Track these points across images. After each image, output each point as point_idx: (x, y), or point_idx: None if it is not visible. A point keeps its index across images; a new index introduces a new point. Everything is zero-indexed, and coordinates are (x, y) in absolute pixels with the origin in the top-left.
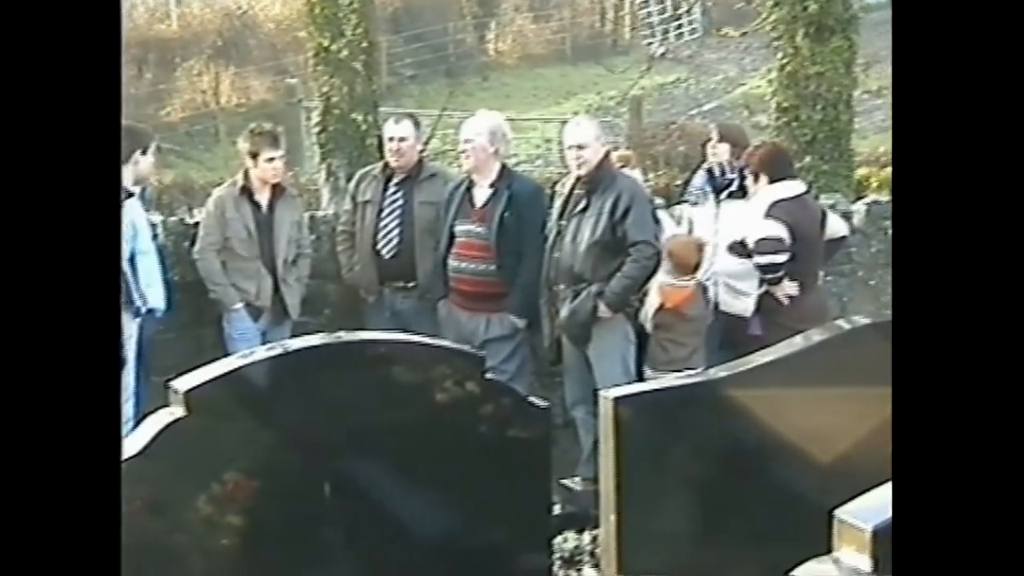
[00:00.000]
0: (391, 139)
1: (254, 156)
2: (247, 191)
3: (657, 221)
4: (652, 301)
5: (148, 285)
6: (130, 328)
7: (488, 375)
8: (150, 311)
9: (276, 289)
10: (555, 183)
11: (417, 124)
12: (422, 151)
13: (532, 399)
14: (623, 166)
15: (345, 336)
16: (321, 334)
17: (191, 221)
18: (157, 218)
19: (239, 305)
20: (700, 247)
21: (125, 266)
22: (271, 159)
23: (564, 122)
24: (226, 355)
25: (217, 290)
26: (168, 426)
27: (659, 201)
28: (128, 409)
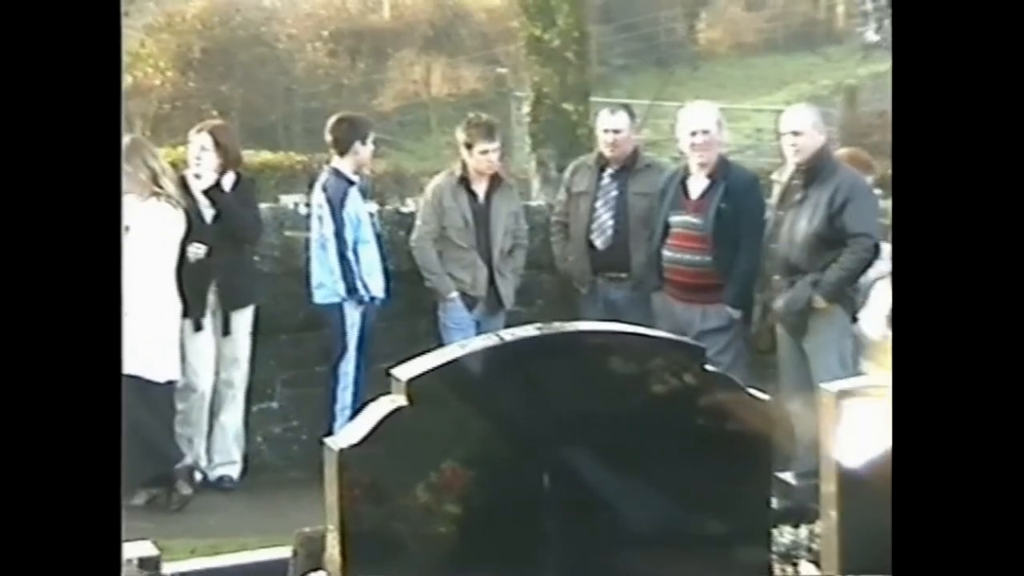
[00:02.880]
0: (606, 130)
1: (470, 147)
2: (464, 181)
3: (881, 214)
4: (885, 300)
5: (369, 274)
6: (353, 316)
7: (707, 366)
8: (372, 299)
9: (491, 279)
10: (771, 173)
11: (632, 115)
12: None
13: (753, 391)
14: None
15: (562, 326)
16: (536, 324)
17: (406, 210)
18: (373, 207)
19: (454, 294)
20: None
21: (348, 254)
22: (486, 150)
23: (777, 112)
24: (440, 344)
25: (433, 279)
26: (390, 414)
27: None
28: (347, 396)
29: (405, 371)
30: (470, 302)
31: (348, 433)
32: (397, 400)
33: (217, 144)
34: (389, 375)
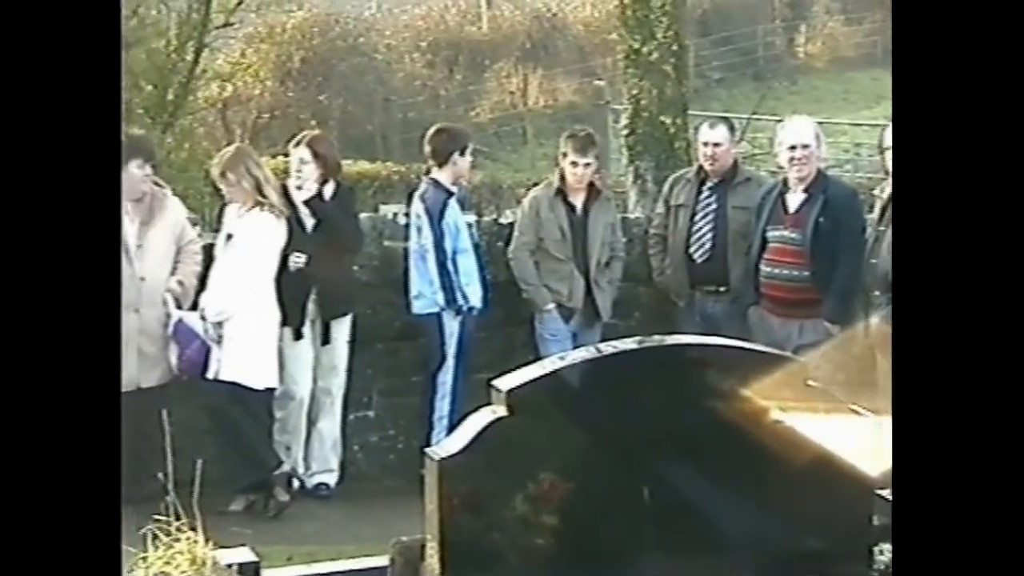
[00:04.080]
0: (706, 143)
1: (568, 158)
2: (562, 193)
3: None
4: None
5: (467, 283)
6: (452, 326)
7: (809, 381)
8: (470, 309)
9: (588, 291)
10: (872, 189)
11: (732, 128)
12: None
13: (854, 406)
14: None
15: (662, 339)
16: (636, 337)
17: (504, 221)
18: (471, 218)
19: (551, 306)
20: None
21: (448, 265)
22: (576, 163)
23: (874, 126)
24: (537, 355)
25: (530, 290)
26: (490, 425)
27: None
28: (444, 406)
29: (505, 382)
30: (567, 314)
31: (448, 443)
32: (497, 411)
33: (316, 155)
34: (490, 386)
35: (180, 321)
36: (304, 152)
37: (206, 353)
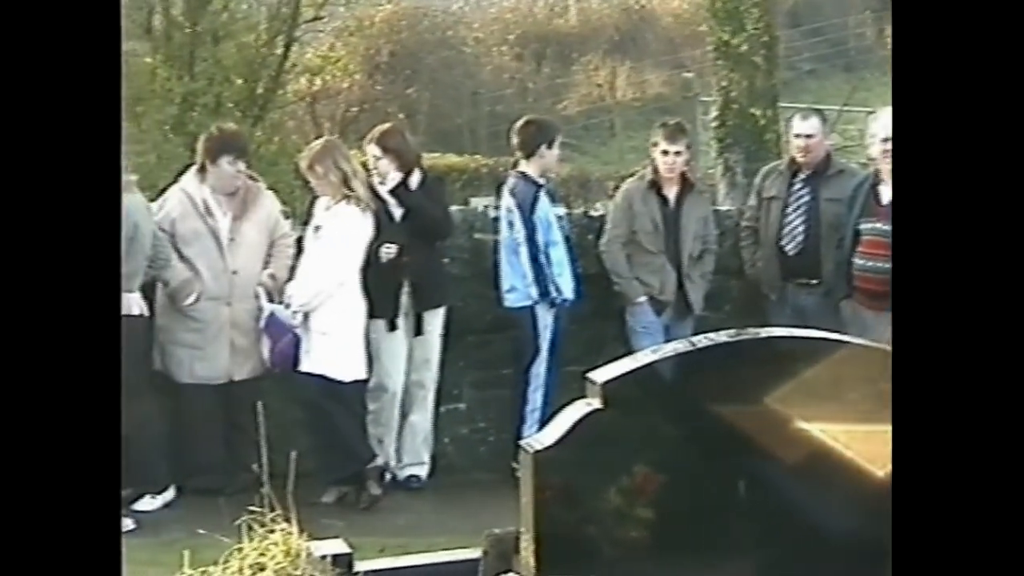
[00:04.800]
0: (798, 135)
1: (659, 147)
2: (655, 185)
3: None
4: None
5: (559, 275)
6: (545, 319)
7: None
8: (563, 301)
9: (680, 284)
10: None
11: (824, 120)
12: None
13: None
14: None
15: (756, 332)
16: (729, 330)
17: (595, 214)
18: (561, 211)
19: (643, 299)
20: None
21: (540, 257)
22: (667, 151)
23: None
24: (628, 348)
25: (621, 283)
26: (584, 417)
27: None
28: (537, 398)
29: (600, 374)
30: (658, 307)
31: (544, 435)
32: (592, 403)
33: (386, 150)
34: (584, 378)
35: (272, 314)
36: (374, 149)
37: (297, 346)
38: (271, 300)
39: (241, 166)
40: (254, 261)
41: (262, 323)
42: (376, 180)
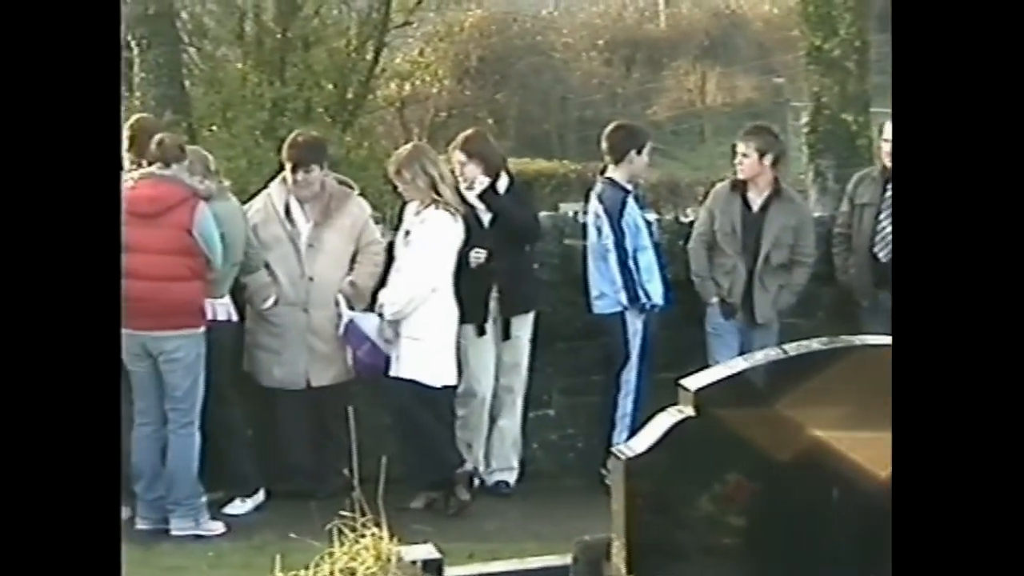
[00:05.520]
0: (889, 141)
1: (738, 149)
2: (740, 187)
3: None
4: None
5: (648, 280)
6: (635, 325)
7: None
8: (652, 306)
9: (749, 288)
10: None
11: None
12: None
13: None
14: None
15: (849, 340)
16: (821, 338)
17: (686, 220)
18: (652, 216)
19: (714, 300)
20: None
21: (630, 263)
22: (744, 153)
23: None
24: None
25: (699, 283)
26: (677, 424)
27: None
28: (628, 404)
29: (693, 382)
30: (728, 310)
31: (635, 442)
32: (684, 410)
33: (470, 155)
34: (677, 385)
35: (351, 322)
36: (459, 155)
37: (375, 355)
38: (351, 307)
39: (318, 172)
40: (334, 268)
41: (340, 331)
42: (463, 185)
